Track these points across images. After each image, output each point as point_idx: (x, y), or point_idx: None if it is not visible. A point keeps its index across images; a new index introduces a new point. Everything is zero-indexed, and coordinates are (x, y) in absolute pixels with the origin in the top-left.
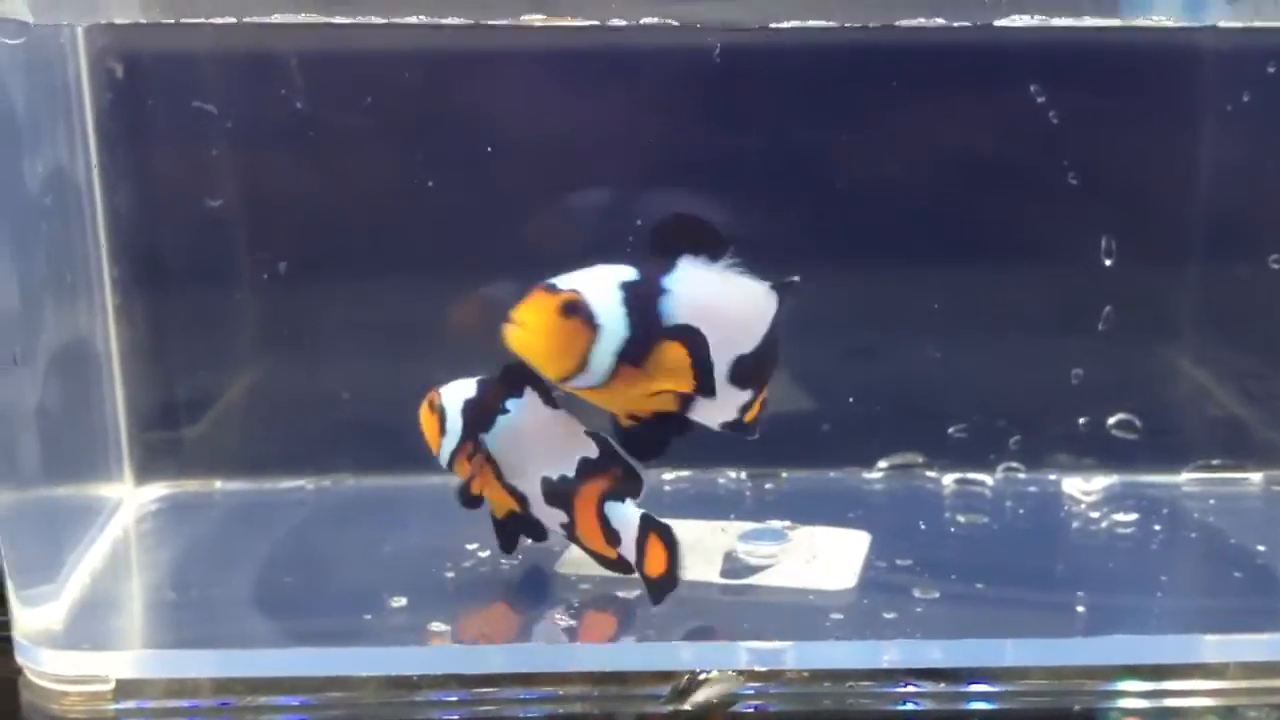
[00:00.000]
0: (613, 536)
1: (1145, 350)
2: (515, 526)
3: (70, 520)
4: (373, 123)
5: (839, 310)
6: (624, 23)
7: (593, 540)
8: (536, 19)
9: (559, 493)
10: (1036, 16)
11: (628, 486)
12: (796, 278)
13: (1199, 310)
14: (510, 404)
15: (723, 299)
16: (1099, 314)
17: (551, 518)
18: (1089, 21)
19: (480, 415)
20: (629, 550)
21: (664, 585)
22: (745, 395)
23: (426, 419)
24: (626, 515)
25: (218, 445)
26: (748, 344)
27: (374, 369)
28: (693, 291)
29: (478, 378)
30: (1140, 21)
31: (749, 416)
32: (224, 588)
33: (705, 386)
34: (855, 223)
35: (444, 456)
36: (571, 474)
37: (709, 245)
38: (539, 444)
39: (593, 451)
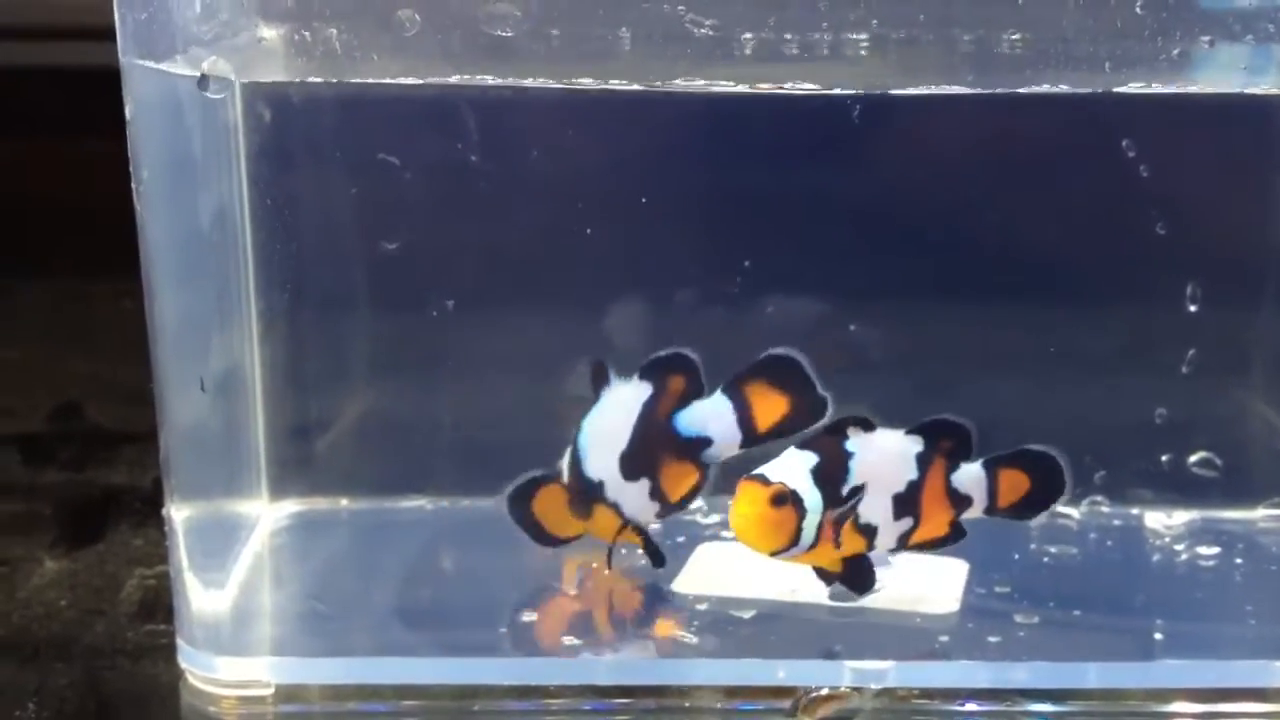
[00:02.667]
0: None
1: (1223, 392)
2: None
3: (220, 535)
4: (494, 168)
5: (937, 351)
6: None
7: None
8: (698, 83)
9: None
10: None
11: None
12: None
13: (1274, 355)
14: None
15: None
16: (1182, 356)
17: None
18: (1171, 89)
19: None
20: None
21: None
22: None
23: (773, 517)
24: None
25: (344, 466)
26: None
27: (490, 396)
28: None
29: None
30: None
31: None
32: (364, 601)
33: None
34: (959, 268)
35: (806, 542)
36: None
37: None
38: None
39: None
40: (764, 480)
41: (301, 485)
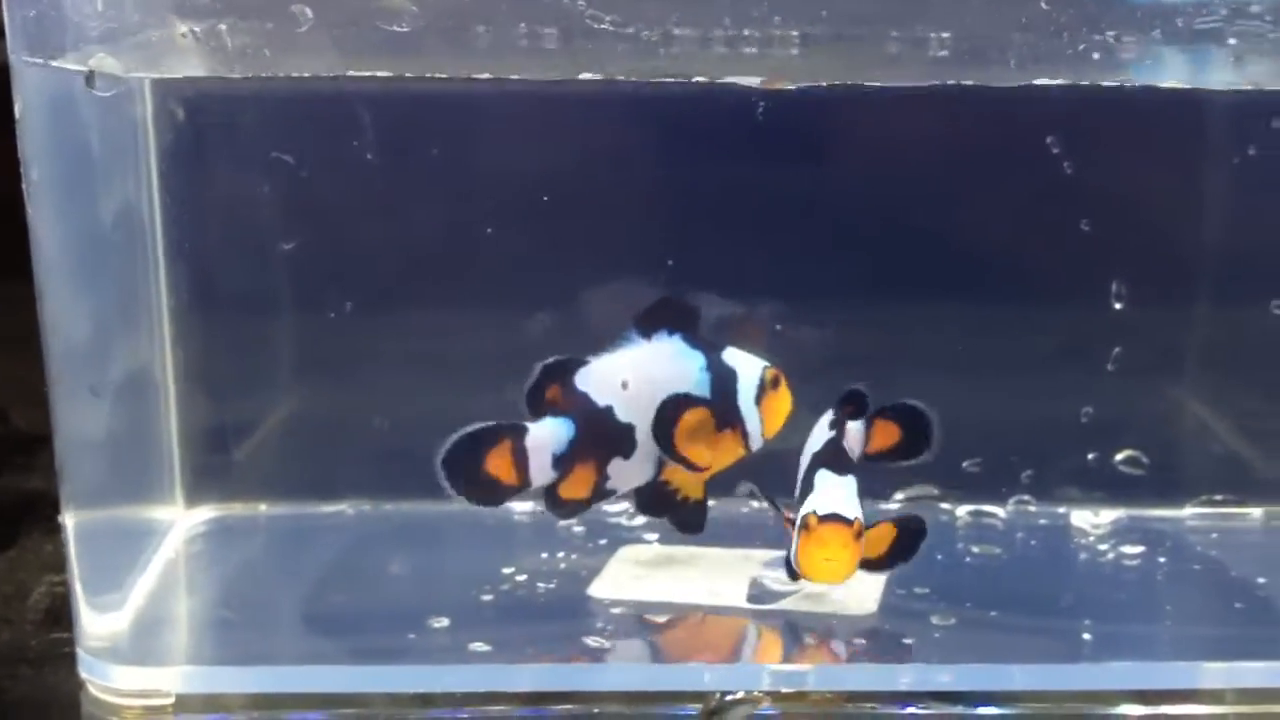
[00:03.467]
0: None
1: (1152, 390)
2: None
3: (129, 542)
4: (411, 166)
5: (859, 348)
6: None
7: None
8: (589, 76)
9: None
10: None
11: None
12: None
13: (1204, 352)
14: None
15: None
16: (1109, 355)
17: None
18: (1106, 83)
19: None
20: None
21: None
22: None
23: (855, 550)
24: None
25: (262, 470)
26: None
27: (411, 398)
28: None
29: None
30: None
31: None
32: (274, 608)
33: None
34: (877, 264)
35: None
36: None
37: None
38: None
39: None
40: (844, 520)
41: (219, 491)
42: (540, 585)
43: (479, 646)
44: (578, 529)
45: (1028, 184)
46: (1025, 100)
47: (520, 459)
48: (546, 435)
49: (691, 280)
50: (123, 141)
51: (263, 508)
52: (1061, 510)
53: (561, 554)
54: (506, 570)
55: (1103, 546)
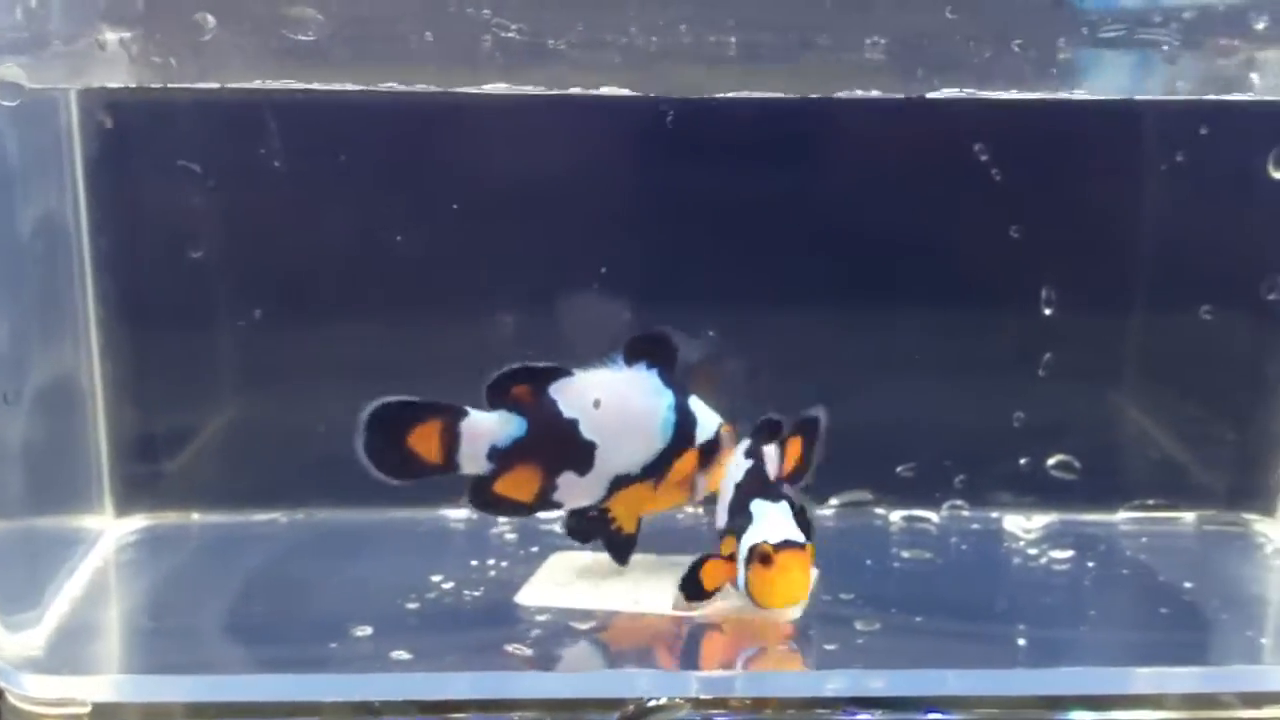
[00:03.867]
0: None
1: (1085, 395)
2: None
3: (52, 551)
4: (346, 176)
5: (791, 353)
6: (581, 91)
7: None
8: (501, 87)
9: None
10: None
11: None
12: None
13: (1137, 358)
14: None
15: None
16: (1040, 360)
17: None
18: (1037, 95)
19: None
20: None
21: None
22: None
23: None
24: None
25: (195, 479)
26: None
27: (345, 407)
28: None
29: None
30: (1086, 95)
31: None
32: (198, 617)
33: None
34: (807, 271)
35: None
36: None
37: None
38: None
39: None
40: (798, 545)
41: (150, 500)
42: (468, 593)
43: (400, 654)
44: (510, 536)
45: (957, 191)
46: (953, 108)
47: (449, 440)
48: (489, 426)
49: (623, 287)
50: (45, 150)
51: (195, 517)
52: (994, 515)
53: (492, 562)
54: (435, 578)
55: (1033, 551)
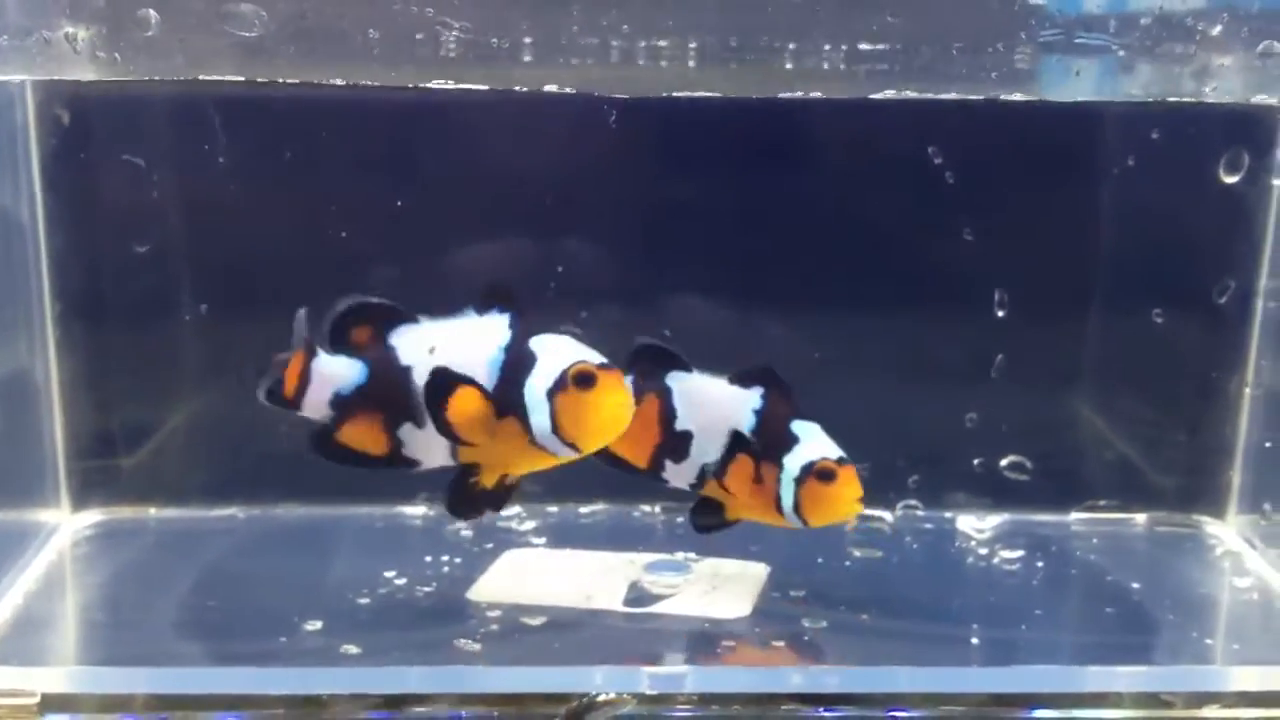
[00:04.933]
0: None
1: (1038, 396)
2: None
3: (7, 544)
4: (299, 169)
5: (745, 353)
6: (525, 89)
7: None
8: (446, 84)
9: None
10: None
11: None
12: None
13: (1089, 360)
14: None
15: None
16: (993, 362)
17: None
18: (1004, 97)
19: None
20: None
21: None
22: None
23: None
24: None
25: (152, 474)
26: None
27: None
28: None
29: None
30: (1054, 98)
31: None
32: (150, 610)
33: None
34: (761, 271)
35: None
36: None
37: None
38: None
39: None
40: (850, 462)
41: (106, 494)
42: (420, 589)
43: (350, 649)
44: (465, 533)
45: (910, 193)
46: (906, 110)
47: (304, 380)
48: (335, 370)
49: (576, 285)
50: (1, 146)
51: (151, 511)
52: (948, 515)
53: (446, 558)
54: (389, 574)
55: (984, 551)
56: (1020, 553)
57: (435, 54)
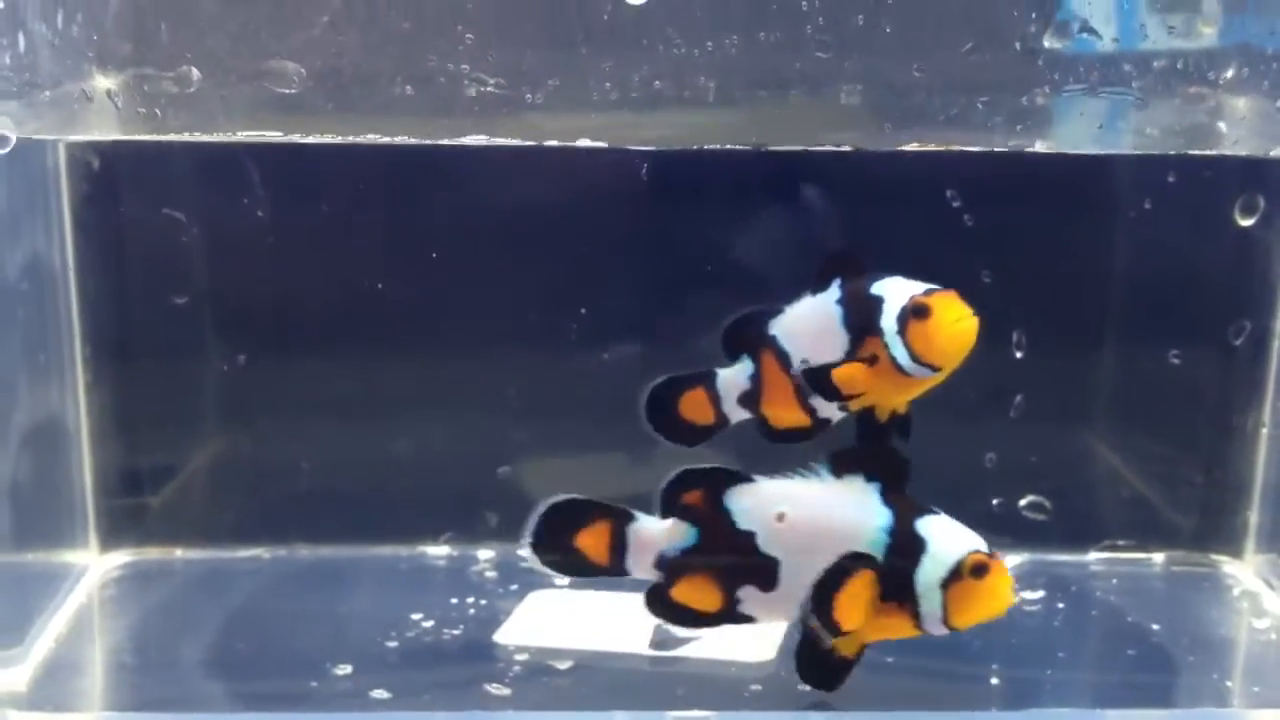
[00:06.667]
0: None
1: (1057, 437)
2: None
3: (37, 586)
4: (327, 223)
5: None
6: (558, 144)
7: None
8: (480, 139)
9: None
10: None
11: None
12: None
13: (1107, 400)
14: None
15: None
16: (1011, 402)
17: None
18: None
19: None
20: None
21: None
22: None
23: None
24: None
25: (179, 516)
26: None
27: (327, 445)
28: None
29: None
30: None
31: None
32: (179, 653)
33: None
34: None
35: None
36: None
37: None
38: None
39: None
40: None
41: (134, 536)
42: (447, 631)
43: (380, 694)
44: (490, 574)
45: (929, 236)
46: (925, 154)
47: (617, 541)
48: (656, 532)
49: (601, 330)
50: (33, 190)
51: (178, 553)
52: None
53: (472, 600)
54: (415, 616)
55: None
56: (1041, 593)
57: (469, 108)
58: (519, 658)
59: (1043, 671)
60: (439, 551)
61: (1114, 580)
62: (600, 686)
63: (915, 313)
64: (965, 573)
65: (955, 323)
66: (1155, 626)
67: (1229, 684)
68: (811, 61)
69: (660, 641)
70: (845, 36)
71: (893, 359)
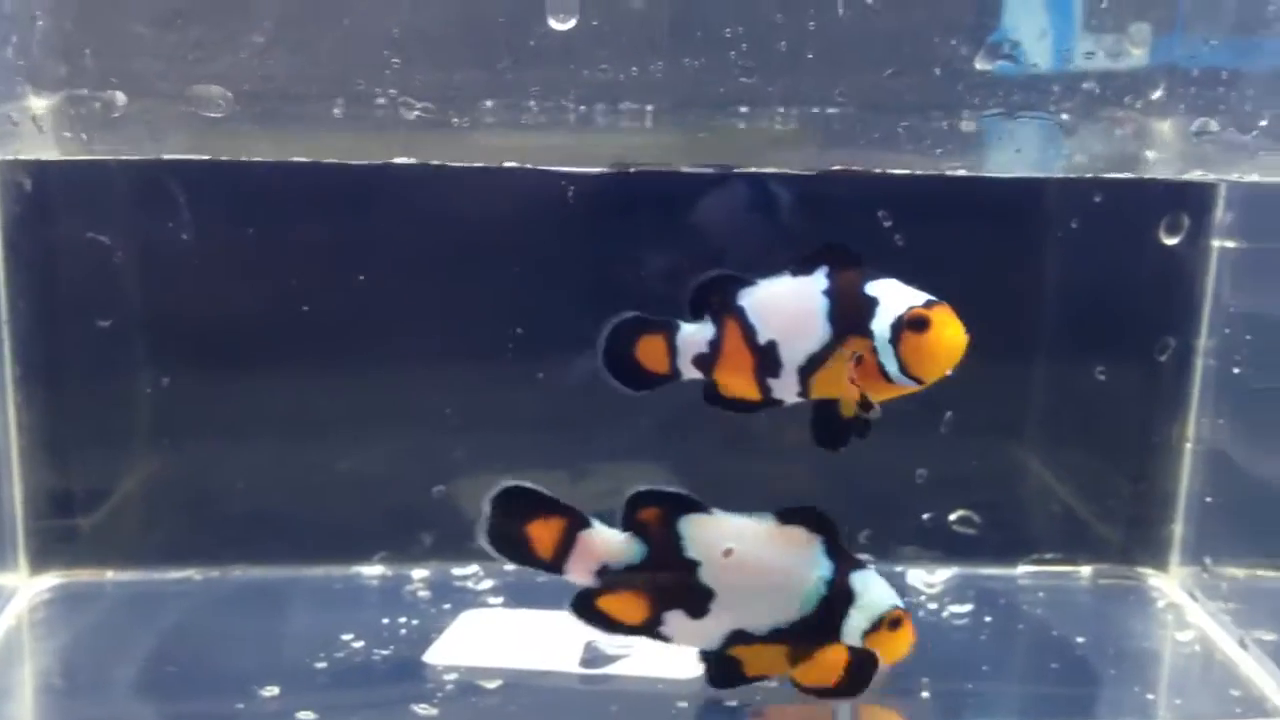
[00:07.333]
0: None
1: (986, 452)
2: None
3: None
4: (261, 244)
5: (697, 410)
6: (485, 165)
7: None
8: (407, 160)
9: None
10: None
11: None
12: None
13: (1035, 416)
14: None
15: None
16: (942, 418)
17: None
18: (948, 171)
19: None
20: None
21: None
22: None
23: None
24: None
25: (110, 538)
26: None
27: (260, 466)
28: None
29: None
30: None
31: None
32: (108, 676)
33: None
34: None
35: None
36: None
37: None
38: None
39: None
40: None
41: (65, 558)
42: (377, 651)
43: (306, 715)
44: (423, 593)
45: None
46: (856, 176)
47: (565, 540)
48: (613, 542)
49: (536, 348)
50: None
51: (109, 575)
52: (899, 569)
53: (404, 619)
54: (346, 636)
55: (934, 605)
56: (969, 606)
57: (397, 129)
58: (448, 677)
59: (965, 684)
60: (373, 571)
61: (1041, 593)
62: (528, 705)
63: (912, 325)
64: (885, 625)
65: (950, 340)
66: (1080, 639)
67: (1150, 696)
68: (736, 85)
69: (590, 660)
70: (770, 61)
71: (880, 365)
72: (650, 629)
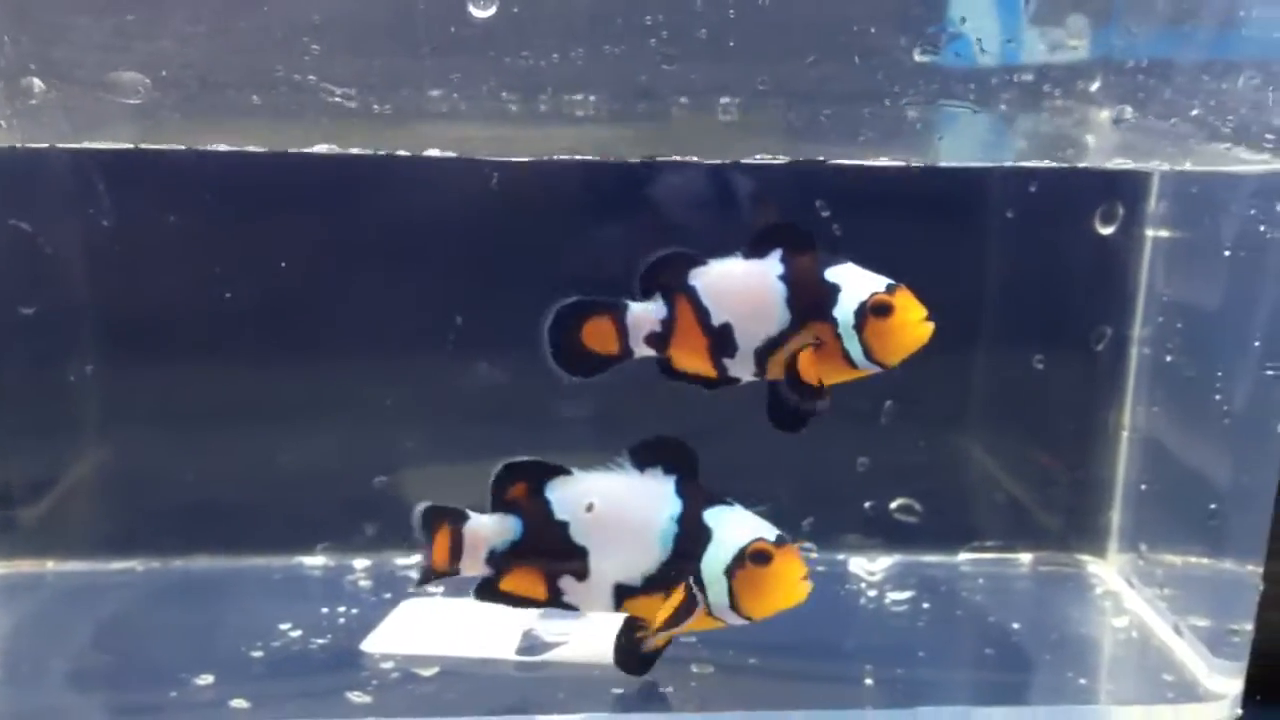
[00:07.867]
0: None
1: (927, 441)
2: None
3: None
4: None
5: (650, 400)
6: (408, 153)
7: None
8: (327, 148)
9: None
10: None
11: None
12: None
13: (975, 405)
14: None
15: None
16: (883, 408)
17: None
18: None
19: None
20: None
21: None
22: None
23: None
24: None
25: (50, 528)
26: None
27: (202, 457)
28: None
29: None
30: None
31: None
32: (45, 666)
33: None
34: None
35: None
36: None
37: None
38: None
39: None
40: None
41: (4, 548)
42: (314, 641)
43: (239, 703)
44: (364, 583)
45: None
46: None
47: (455, 543)
48: (489, 528)
49: (477, 339)
50: None
51: (50, 565)
52: (841, 557)
53: (343, 609)
54: (284, 626)
55: (874, 593)
56: (909, 593)
57: (317, 119)
58: (385, 665)
59: (904, 670)
60: (315, 562)
61: (981, 580)
62: (464, 692)
63: (875, 311)
64: (747, 559)
65: (914, 325)
66: (1017, 625)
67: (1083, 681)
68: (657, 74)
69: (528, 648)
70: (691, 49)
71: (845, 352)
72: (554, 598)
